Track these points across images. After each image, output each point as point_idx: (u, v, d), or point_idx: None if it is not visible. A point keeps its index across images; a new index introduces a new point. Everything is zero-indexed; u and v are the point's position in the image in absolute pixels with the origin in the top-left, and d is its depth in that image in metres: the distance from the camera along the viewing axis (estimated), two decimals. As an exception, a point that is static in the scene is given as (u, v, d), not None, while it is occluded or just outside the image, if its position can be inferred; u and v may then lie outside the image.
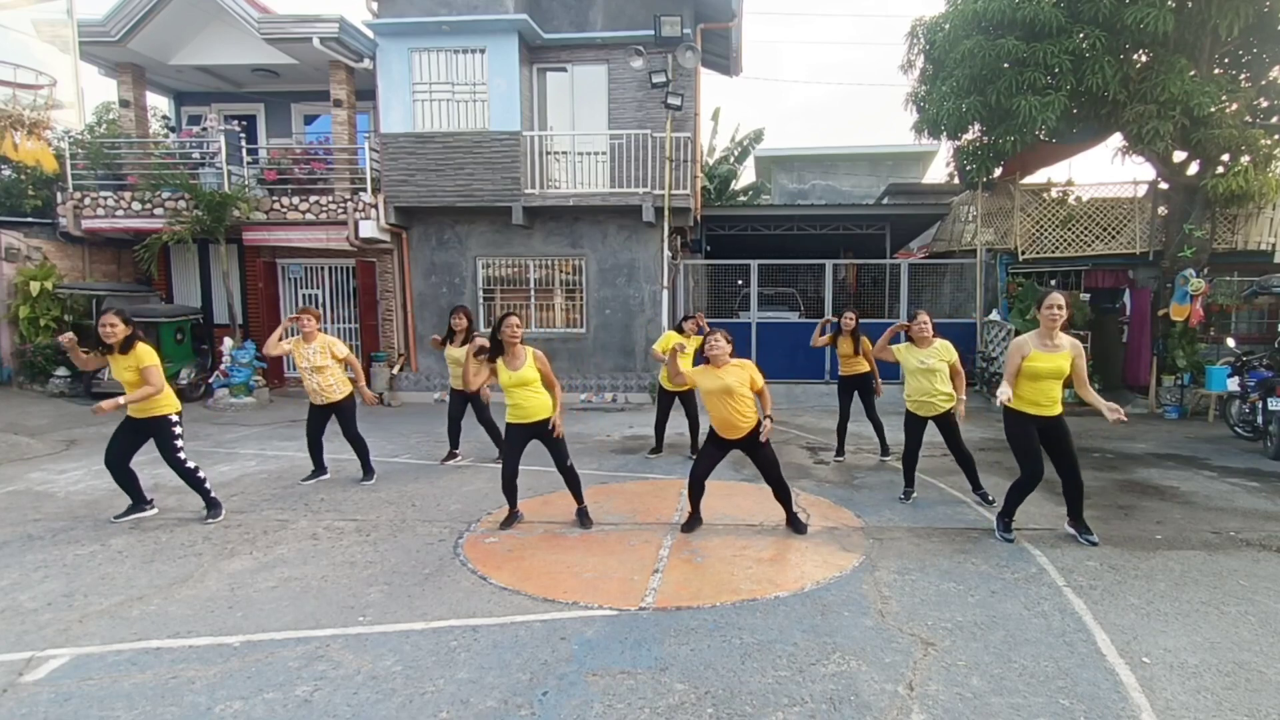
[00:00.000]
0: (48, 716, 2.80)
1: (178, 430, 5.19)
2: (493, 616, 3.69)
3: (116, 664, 3.20)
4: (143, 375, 4.98)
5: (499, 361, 4.99)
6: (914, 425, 5.83)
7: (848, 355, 7.29)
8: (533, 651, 3.31)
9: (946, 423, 5.73)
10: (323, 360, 6.22)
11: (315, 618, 3.67)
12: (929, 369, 5.63)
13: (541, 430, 5.04)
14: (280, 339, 6.31)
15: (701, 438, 7.64)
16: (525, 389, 4.95)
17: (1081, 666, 3.19)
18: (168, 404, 5.15)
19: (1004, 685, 3.03)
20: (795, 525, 5.04)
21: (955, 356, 5.71)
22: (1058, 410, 4.68)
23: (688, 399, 7.49)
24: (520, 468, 5.13)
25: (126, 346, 4.98)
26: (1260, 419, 8.08)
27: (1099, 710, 2.85)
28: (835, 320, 7.41)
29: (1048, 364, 4.58)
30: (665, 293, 11.86)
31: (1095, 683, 3.05)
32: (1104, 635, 3.48)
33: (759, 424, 4.83)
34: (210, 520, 5.26)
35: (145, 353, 5.01)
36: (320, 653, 3.30)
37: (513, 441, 5.08)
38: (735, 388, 4.71)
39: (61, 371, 11.26)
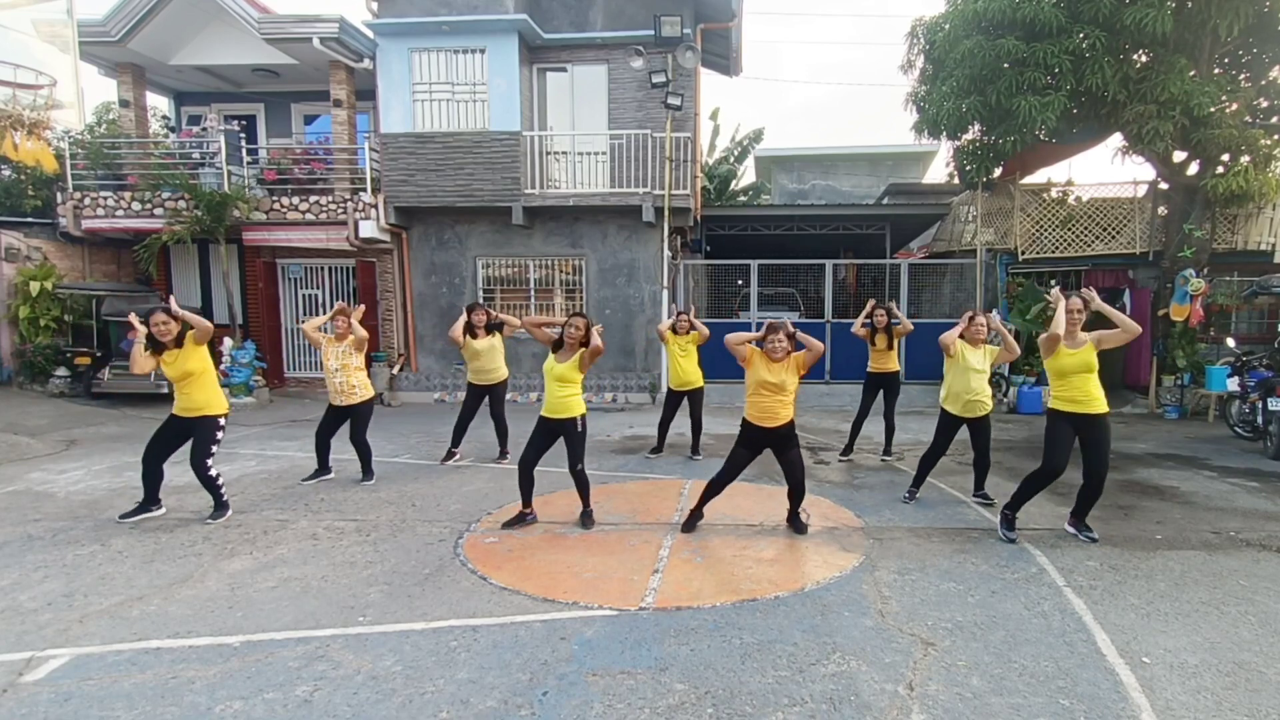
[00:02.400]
0: (48, 716, 2.80)
1: (220, 435, 5.30)
2: (493, 616, 3.69)
3: (116, 664, 3.20)
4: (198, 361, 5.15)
5: (553, 354, 5.15)
6: (949, 426, 5.72)
7: (881, 350, 7.31)
8: (533, 651, 3.31)
9: (983, 426, 5.70)
10: (349, 359, 6.30)
11: (315, 618, 3.67)
12: (980, 370, 5.61)
13: (563, 429, 5.12)
14: (320, 328, 6.47)
15: (703, 439, 7.68)
16: (563, 385, 5.07)
17: (1081, 666, 3.19)
18: (219, 404, 5.27)
19: (1004, 685, 3.03)
20: (796, 525, 5.06)
21: (999, 347, 5.72)
22: (1098, 409, 4.69)
23: (695, 400, 7.50)
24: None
25: (181, 340, 5.11)
26: (1260, 419, 8.08)
27: (1099, 710, 2.85)
28: (870, 319, 7.31)
29: (1073, 359, 4.69)
30: (665, 293, 11.87)
31: (1095, 683, 3.05)
32: (1104, 635, 3.48)
33: (793, 420, 4.96)
34: (211, 521, 5.26)
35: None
36: (320, 653, 3.30)
37: (537, 432, 5.19)
38: (789, 384, 4.81)
39: (61, 371, 11.26)
